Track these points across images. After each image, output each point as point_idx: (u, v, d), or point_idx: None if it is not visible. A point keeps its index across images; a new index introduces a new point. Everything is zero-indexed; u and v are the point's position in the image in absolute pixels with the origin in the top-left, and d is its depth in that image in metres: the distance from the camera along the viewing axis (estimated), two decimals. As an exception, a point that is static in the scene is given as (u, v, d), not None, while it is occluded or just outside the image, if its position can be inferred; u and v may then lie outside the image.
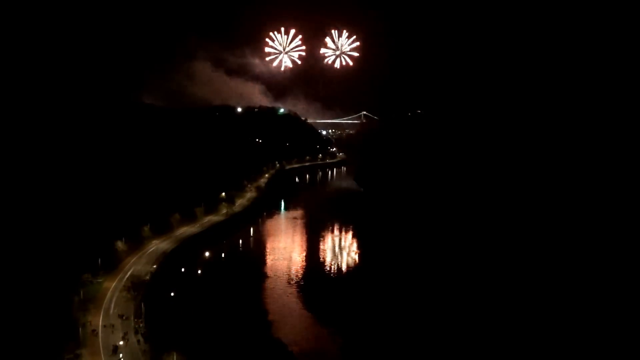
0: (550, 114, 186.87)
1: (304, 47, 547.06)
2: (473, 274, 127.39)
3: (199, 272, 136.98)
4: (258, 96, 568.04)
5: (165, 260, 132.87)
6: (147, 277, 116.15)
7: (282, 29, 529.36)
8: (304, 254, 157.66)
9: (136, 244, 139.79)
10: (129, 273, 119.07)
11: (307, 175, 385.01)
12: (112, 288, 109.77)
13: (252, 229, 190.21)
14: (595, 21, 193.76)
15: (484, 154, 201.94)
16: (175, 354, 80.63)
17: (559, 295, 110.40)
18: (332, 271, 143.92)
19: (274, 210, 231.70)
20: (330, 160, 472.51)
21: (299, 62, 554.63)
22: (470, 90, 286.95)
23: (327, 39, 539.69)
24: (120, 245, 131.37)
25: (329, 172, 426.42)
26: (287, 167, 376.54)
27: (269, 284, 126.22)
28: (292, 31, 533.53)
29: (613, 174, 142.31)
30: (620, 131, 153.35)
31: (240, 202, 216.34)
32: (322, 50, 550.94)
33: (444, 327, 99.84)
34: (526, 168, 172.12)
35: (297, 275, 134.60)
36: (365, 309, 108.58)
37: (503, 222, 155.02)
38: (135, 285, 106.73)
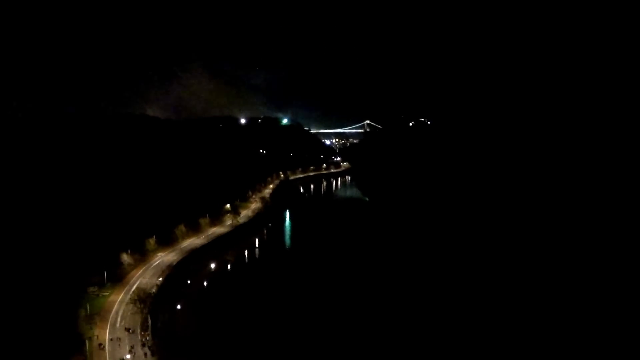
0: (551, 116, 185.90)
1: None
2: (475, 283, 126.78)
3: (205, 284, 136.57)
4: (259, 106, 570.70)
5: (171, 273, 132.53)
6: (153, 290, 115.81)
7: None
8: (310, 264, 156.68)
9: (142, 256, 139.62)
10: (135, 286, 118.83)
11: (312, 185, 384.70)
12: (119, 301, 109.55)
13: (257, 241, 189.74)
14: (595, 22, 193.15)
15: (488, 161, 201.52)
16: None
17: (557, 298, 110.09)
18: (336, 280, 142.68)
19: (278, 221, 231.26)
20: (335, 170, 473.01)
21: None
22: (472, 99, 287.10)
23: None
24: (125, 257, 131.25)
25: (334, 181, 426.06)
26: (292, 177, 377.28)
27: (273, 295, 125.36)
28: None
29: (610, 175, 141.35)
30: (619, 132, 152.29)
31: (245, 213, 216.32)
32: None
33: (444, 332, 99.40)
34: (529, 173, 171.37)
35: (301, 286, 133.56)
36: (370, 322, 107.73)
37: (507, 230, 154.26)
38: (142, 298, 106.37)
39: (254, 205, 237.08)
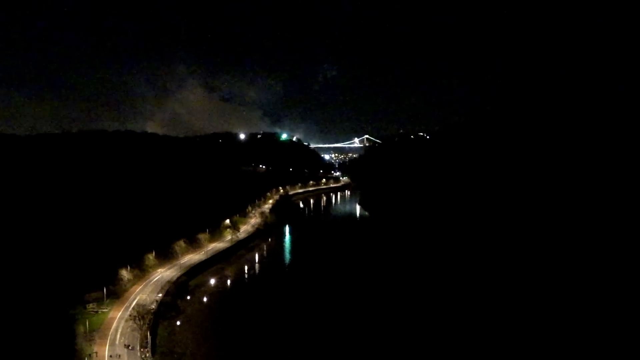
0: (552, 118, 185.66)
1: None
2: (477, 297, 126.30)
3: (205, 300, 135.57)
4: (258, 121, 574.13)
5: (171, 289, 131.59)
6: (153, 306, 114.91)
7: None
8: (310, 280, 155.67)
9: (141, 272, 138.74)
10: (134, 302, 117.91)
11: (311, 200, 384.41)
12: (118, 317, 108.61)
13: (257, 256, 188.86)
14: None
15: (487, 173, 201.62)
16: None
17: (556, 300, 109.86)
18: (337, 294, 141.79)
19: (278, 237, 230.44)
20: (334, 185, 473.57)
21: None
22: (470, 112, 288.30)
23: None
24: (125, 273, 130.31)
25: (334, 196, 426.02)
26: (291, 192, 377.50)
27: (273, 310, 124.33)
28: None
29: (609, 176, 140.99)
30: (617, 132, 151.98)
31: (244, 229, 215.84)
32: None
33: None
34: (526, 182, 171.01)
35: (301, 301, 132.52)
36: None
37: (506, 240, 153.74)
38: (141, 315, 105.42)
39: (254, 220, 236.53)
